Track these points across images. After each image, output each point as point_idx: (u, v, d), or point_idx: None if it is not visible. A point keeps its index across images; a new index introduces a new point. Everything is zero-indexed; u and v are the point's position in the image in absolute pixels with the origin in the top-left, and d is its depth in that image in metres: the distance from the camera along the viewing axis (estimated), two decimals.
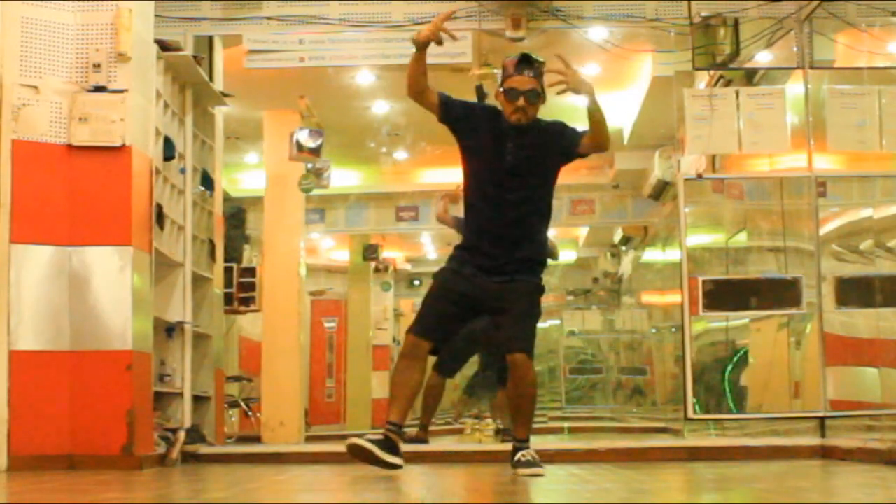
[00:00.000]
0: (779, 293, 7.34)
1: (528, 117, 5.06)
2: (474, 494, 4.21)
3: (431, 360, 5.93)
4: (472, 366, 9.56)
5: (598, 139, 5.19)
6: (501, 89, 5.08)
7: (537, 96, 5.06)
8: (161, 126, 6.53)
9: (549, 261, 5.94)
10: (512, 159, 5.05)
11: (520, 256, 5.10)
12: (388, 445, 4.97)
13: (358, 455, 4.96)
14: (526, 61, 5.05)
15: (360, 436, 5.16)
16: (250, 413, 11.65)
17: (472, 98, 8.18)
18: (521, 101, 5.02)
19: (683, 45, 7.52)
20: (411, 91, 5.12)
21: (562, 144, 5.17)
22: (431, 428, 8.25)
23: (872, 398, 7.78)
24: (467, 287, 5.10)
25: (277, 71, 8.02)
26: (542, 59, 5.09)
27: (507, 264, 5.07)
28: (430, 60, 7.65)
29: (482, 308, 5.17)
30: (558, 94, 5.12)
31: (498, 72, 8.44)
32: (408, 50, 7.81)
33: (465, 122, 5.15)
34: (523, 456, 4.99)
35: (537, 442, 5.26)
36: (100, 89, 5.82)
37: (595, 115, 5.14)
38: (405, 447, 5.09)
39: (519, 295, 5.09)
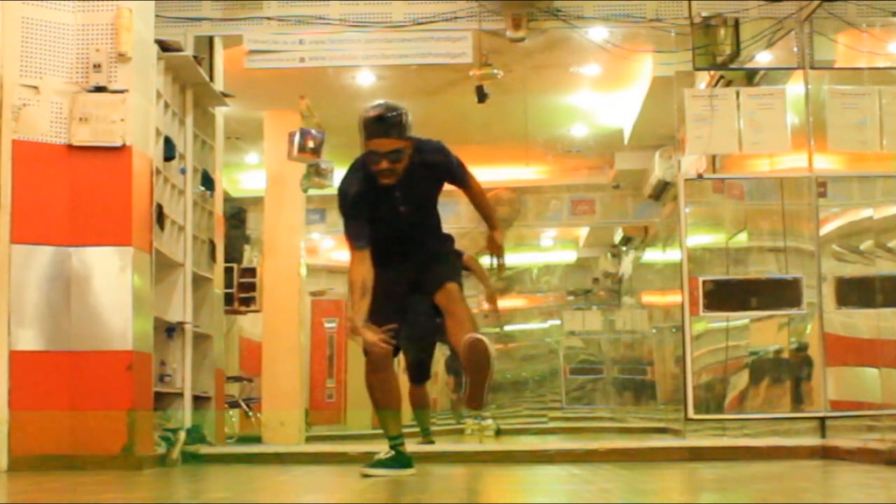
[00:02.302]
0: (779, 293, 7.34)
1: (397, 174, 4.93)
2: (474, 494, 4.21)
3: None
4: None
5: (478, 207, 5.32)
6: (365, 149, 4.95)
7: (401, 154, 4.89)
8: (161, 126, 6.53)
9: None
10: (403, 206, 5.02)
11: (427, 248, 5.15)
12: (400, 460, 5.04)
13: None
14: (381, 121, 4.87)
15: (371, 462, 5.09)
16: (250, 413, 11.64)
17: (472, 97, 8.21)
18: (384, 164, 4.88)
19: (684, 46, 7.52)
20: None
21: (448, 171, 5.12)
22: (432, 429, 8.27)
23: (873, 398, 7.78)
24: (390, 276, 5.03)
25: (277, 71, 8.01)
26: (401, 112, 4.90)
27: (415, 256, 5.12)
28: (430, 61, 7.70)
29: (411, 284, 5.11)
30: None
31: (499, 72, 8.49)
32: (408, 50, 7.83)
33: (366, 210, 5.05)
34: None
35: (537, 442, 5.26)
36: (100, 89, 5.83)
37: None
38: (414, 447, 5.12)
39: (437, 255, 5.16)
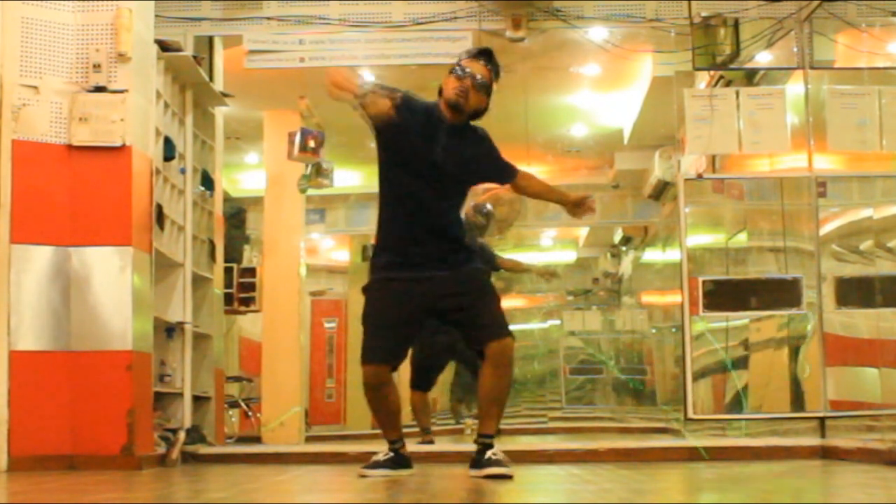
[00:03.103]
0: (779, 293, 7.34)
1: (468, 104, 4.89)
2: (474, 494, 4.21)
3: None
4: (449, 372, 9.66)
5: (550, 193, 5.26)
6: (451, 70, 4.94)
7: (485, 88, 4.91)
8: (161, 126, 6.53)
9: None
10: (441, 153, 4.90)
11: (448, 243, 4.94)
12: (399, 461, 5.02)
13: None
14: (489, 54, 4.98)
15: (369, 463, 5.05)
16: (250, 413, 11.64)
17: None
18: (468, 81, 4.87)
19: (683, 46, 7.52)
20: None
21: (490, 156, 5.07)
22: (433, 429, 8.28)
23: (872, 398, 7.78)
24: (405, 286, 4.88)
25: (277, 71, 8.02)
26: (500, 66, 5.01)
27: (438, 250, 4.91)
28: (430, 60, 7.70)
29: (433, 305, 4.91)
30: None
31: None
32: (408, 50, 7.84)
33: (393, 129, 4.91)
34: (494, 454, 4.82)
35: (538, 442, 5.26)
36: (100, 89, 5.83)
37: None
38: (414, 447, 5.11)
39: (473, 285, 4.93)
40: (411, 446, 5.31)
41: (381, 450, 5.11)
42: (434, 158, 4.89)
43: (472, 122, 5.04)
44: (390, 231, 4.99)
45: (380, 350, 4.91)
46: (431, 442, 7.77)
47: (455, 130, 4.95)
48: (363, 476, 4.93)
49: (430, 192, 4.91)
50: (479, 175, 5.14)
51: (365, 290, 5.06)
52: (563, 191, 5.20)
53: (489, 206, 8.40)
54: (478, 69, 4.91)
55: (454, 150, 4.93)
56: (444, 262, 4.91)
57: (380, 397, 4.95)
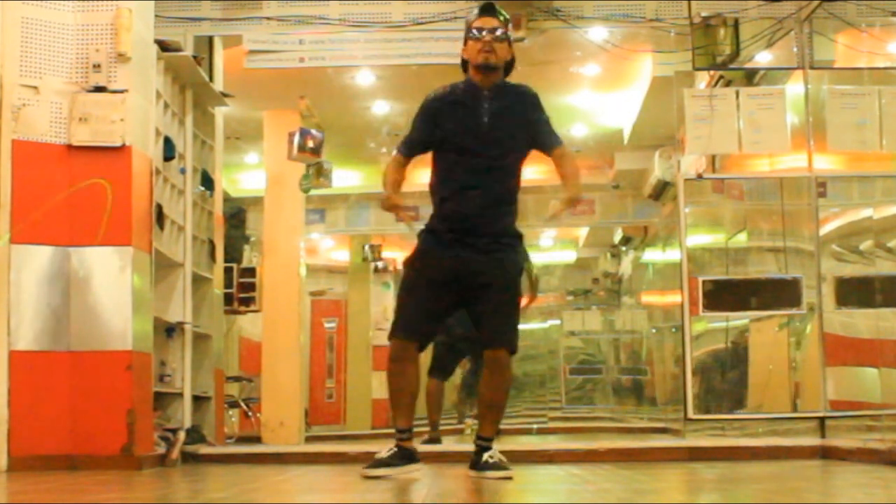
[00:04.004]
0: (779, 293, 7.35)
1: (498, 57, 4.88)
2: (474, 494, 4.21)
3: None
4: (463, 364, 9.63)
5: (567, 182, 4.99)
6: (466, 38, 4.93)
7: (506, 38, 4.92)
8: (161, 126, 6.53)
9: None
10: (488, 120, 4.88)
11: (499, 219, 4.89)
12: (403, 455, 4.91)
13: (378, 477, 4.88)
14: (490, 7, 4.95)
15: (372, 462, 4.94)
16: (250, 413, 11.65)
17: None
18: (487, 36, 4.86)
19: (683, 46, 7.53)
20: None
21: (538, 129, 4.97)
22: (446, 428, 8.28)
23: (872, 398, 7.78)
24: (448, 263, 4.86)
25: (277, 71, 8.02)
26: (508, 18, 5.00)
27: (487, 223, 4.86)
28: (430, 60, 7.70)
29: (466, 287, 4.87)
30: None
31: None
32: (408, 50, 7.84)
33: (437, 125, 4.96)
34: (491, 457, 4.81)
35: (537, 442, 5.26)
36: (100, 89, 5.82)
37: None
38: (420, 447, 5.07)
39: (503, 280, 4.88)
40: (416, 446, 5.28)
41: (383, 448, 5.02)
42: (481, 128, 4.88)
43: (513, 82, 5.01)
44: (444, 204, 4.96)
45: (408, 326, 4.91)
46: (438, 441, 7.72)
47: (497, 93, 4.94)
48: (366, 477, 4.84)
49: (484, 161, 4.87)
50: (529, 136, 4.98)
51: (405, 262, 5.09)
52: (575, 188, 4.99)
53: None
54: (491, 23, 4.90)
55: (500, 114, 4.91)
56: (489, 244, 4.86)
57: (402, 372, 4.89)
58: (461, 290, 4.91)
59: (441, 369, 8.13)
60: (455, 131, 4.92)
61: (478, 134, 4.89)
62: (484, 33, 4.88)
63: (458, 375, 10.61)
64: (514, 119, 4.93)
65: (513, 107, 4.95)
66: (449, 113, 4.94)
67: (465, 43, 4.96)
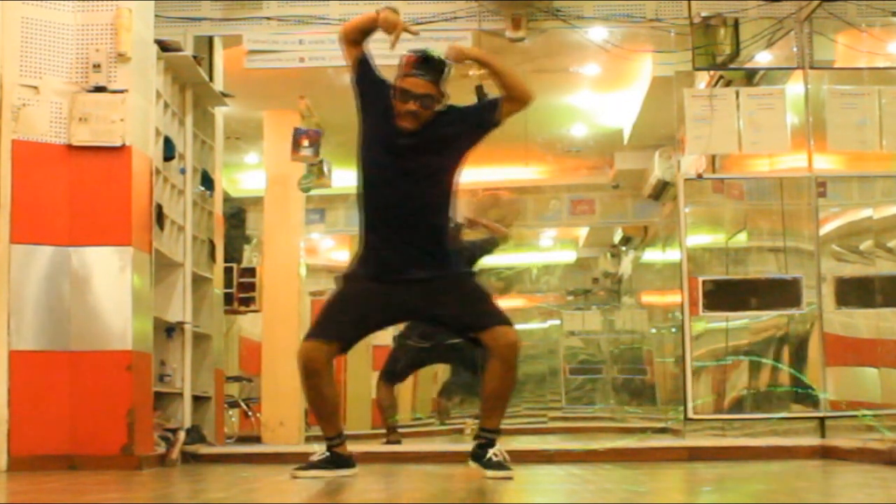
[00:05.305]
0: (779, 293, 7.34)
1: (419, 122, 4.68)
2: (473, 494, 4.21)
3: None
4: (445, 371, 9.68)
5: (513, 93, 4.73)
6: (396, 85, 4.72)
7: (433, 101, 4.69)
8: (161, 126, 6.53)
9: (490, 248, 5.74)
10: (406, 148, 4.69)
11: (428, 245, 4.71)
12: (334, 460, 4.86)
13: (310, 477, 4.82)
14: (424, 62, 4.70)
15: (304, 464, 4.90)
16: (250, 413, 11.64)
17: (472, 97, 8.20)
18: (411, 105, 4.67)
19: (683, 46, 7.53)
20: (344, 36, 4.87)
21: (475, 121, 4.81)
22: (433, 429, 8.27)
23: (872, 398, 7.78)
24: (377, 295, 4.71)
25: (277, 71, 8.02)
26: (445, 61, 4.74)
27: (416, 250, 4.69)
28: None
29: (413, 314, 4.78)
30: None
31: None
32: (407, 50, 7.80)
33: (371, 96, 4.82)
34: (495, 455, 4.72)
35: (537, 442, 5.25)
36: (100, 89, 5.82)
37: (495, 71, 4.76)
38: (389, 448, 5.05)
39: (456, 284, 4.75)
40: (379, 446, 5.25)
41: (318, 450, 4.96)
42: (399, 142, 4.71)
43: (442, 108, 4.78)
44: (367, 221, 4.80)
45: (326, 329, 4.80)
46: (398, 442, 7.69)
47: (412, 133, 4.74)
48: (295, 477, 4.79)
49: (403, 178, 4.69)
50: (468, 138, 4.81)
51: (337, 279, 4.99)
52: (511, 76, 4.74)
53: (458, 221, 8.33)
54: (418, 86, 4.69)
55: (427, 137, 4.72)
56: (423, 269, 4.70)
57: (315, 388, 4.78)
58: (407, 315, 4.89)
59: (391, 373, 8.12)
60: (377, 136, 4.79)
61: (398, 153, 4.72)
62: (410, 102, 4.68)
63: (439, 381, 10.66)
64: (443, 138, 4.75)
65: (436, 140, 4.74)
66: (376, 108, 4.79)
67: (396, 80, 4.76)
